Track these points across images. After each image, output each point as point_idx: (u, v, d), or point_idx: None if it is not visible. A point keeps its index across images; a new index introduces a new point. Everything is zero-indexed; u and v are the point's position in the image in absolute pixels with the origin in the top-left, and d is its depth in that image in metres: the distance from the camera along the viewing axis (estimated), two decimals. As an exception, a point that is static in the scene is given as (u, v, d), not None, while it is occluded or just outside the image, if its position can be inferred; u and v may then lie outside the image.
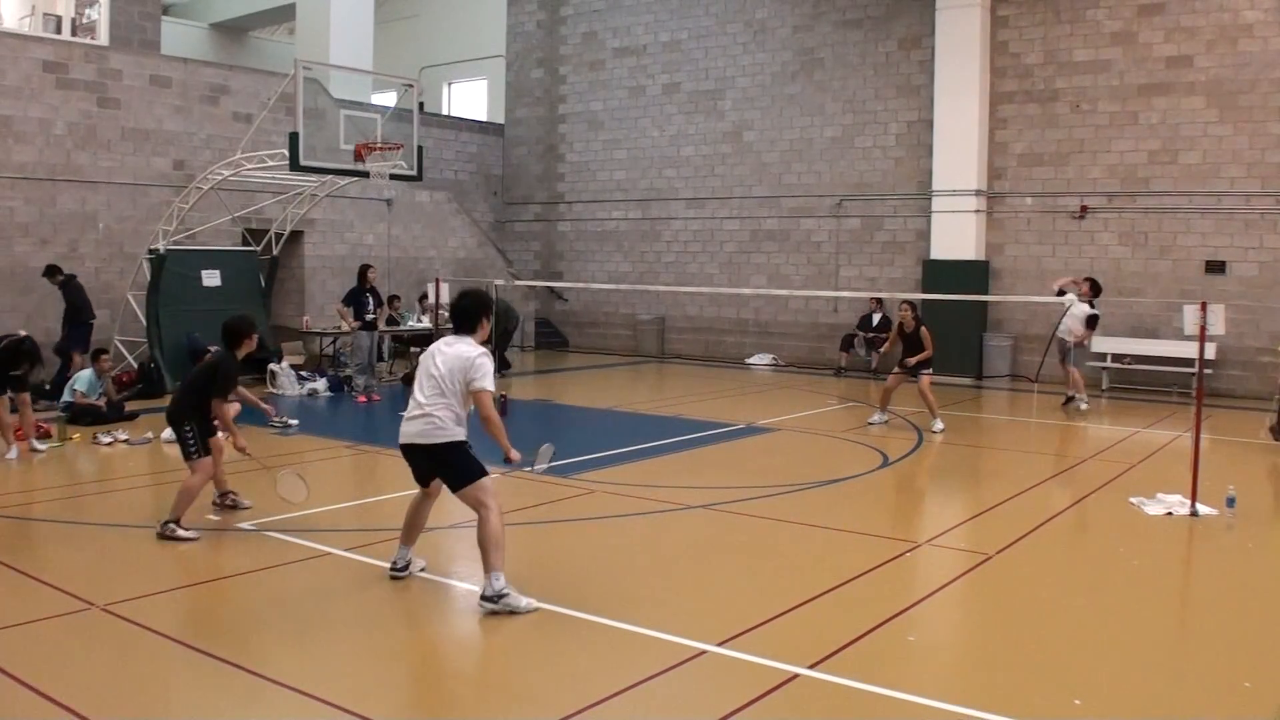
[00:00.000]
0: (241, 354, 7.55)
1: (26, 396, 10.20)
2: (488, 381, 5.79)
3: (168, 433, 10.91)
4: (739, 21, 20.58)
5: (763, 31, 20.27)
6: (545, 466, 6.53)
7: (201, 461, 7.25)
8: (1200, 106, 16.03)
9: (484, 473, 5.87)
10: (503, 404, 13.40)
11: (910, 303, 12.35)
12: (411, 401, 5.97)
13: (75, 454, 10.30)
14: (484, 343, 5.98)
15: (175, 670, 4.95)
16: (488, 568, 5.71)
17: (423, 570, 6.32)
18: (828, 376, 18.08)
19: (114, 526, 7.56)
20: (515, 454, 5.86)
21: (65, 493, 8.76)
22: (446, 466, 5.88)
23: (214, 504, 7.73)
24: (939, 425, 12.01)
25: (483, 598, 5.70)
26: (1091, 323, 13.63)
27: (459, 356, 5.86)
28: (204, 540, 7.09)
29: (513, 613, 5.63)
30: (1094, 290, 13.65)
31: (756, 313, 20.49)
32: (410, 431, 5.91)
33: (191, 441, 7.25)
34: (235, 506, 7.76)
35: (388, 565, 6.28)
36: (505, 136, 24.33)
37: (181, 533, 7.00)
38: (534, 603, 5.72)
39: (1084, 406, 13.62)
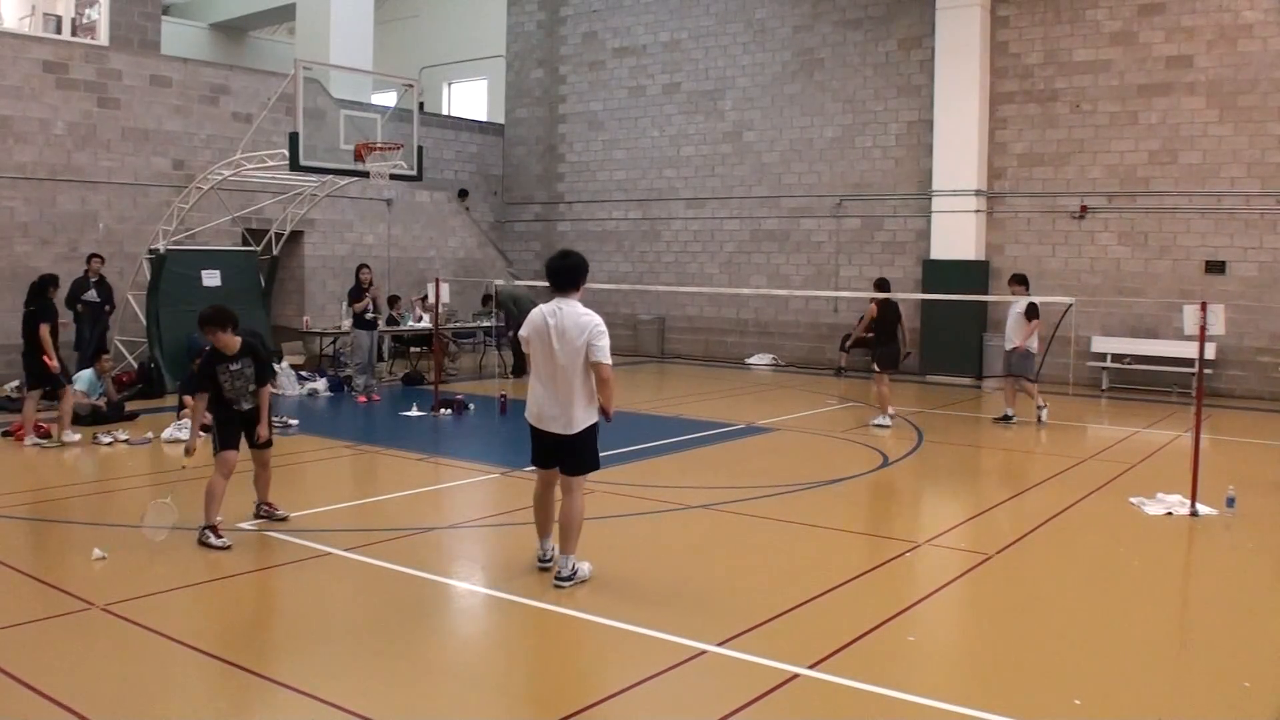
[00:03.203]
0: (215, 344, 6.99)
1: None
2: (606, 354, 6.03)
3: (168, 432, 10.97)
4: (739, 21, 20.58)
5: (763, 31, 20.27)
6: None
7: (218, 456, 7.07)
8: (1200, 106, 16.03)
9: (598, 465, 6.34)
10: (502, 404, 13.44)
11: (876, 280, 13.25)
12: (535, 384, 6.17)
13: (75, 454, 10.29)
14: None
15: (175, 670, 4.95)
16: (569, 549, 6.11)
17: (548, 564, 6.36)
18: (828, 376, 18.08)
19: (114, 526, 7.56)
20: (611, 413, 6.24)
21: (65, 493, 8.76)
22: (573, 450, 6.17)
23: (254, 515, 7.50)
24: (881, 420, 12.35)
25: (558, 578, 6.08)
26: (1031, 312, 12.60)
27: (576, 324, 6.04)
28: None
29: (583, 581, 6.11)
30: (1023, 286, 13.00)
31: (756, 313, 20.49)
32: (547, 418, 6.13)
33: (214, 435, 7.17)
34: (269, 517, 7.49)
35: (543, 562, 6.39)
36: (505, 136, 24.33)
37: (213, 540, 6.83)
38: (590, 565, 6.24)
39: (1044, 418, 12.75)
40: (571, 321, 6.05)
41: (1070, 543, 7.55)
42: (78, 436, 10.66)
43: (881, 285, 13.17)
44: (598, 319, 6.07)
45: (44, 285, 10.96)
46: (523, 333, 6.31)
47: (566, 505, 6.15)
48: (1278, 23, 15.47)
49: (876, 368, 12.70)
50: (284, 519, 7.53)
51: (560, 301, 6.16)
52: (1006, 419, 12.85)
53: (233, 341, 7.00)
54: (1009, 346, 12.83)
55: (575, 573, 6.09)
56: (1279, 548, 7.57)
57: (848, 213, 19.35)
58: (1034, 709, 4.58)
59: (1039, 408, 12.82)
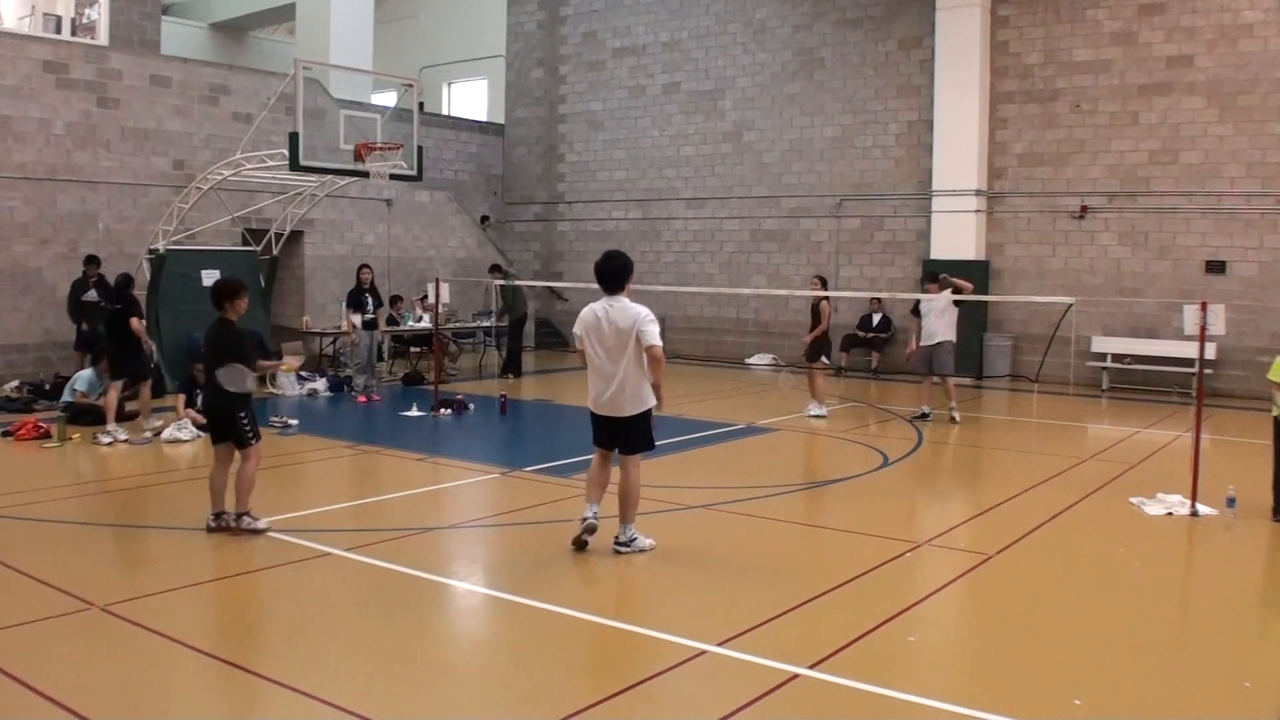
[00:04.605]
0: (233, 316, 7.28)
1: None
2: (655, 337, 6.63)
3: (168, 432, 10.96)
4: (739, 21, 20.58)
5: (763, 31, 20.27)
6: None
7: (258, 446, 7.29)
8: (1200, 106, 16.03)
9: (653, 445, 6.93)
10: (502, 404, 13.43)
11: (819, 276, 13.67)
12: (593, 374, 6.81)
13: (75, 454, 10.29)
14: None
15: (175, 670, 4.95)
16: (625, 519, 6.81)
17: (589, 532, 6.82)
18: (828, 376, 18.04)
19: (114, 526, 7.57)
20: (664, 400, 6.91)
21: (65, 493, 8.75)
22: (628, 431, 6.78)
23: (208, 527, 7.17)
24: (813, 410, 13.01)
25: (617, 542, 6.80)
26: (956, 302, 12.82)
27: (625, 315, 6.66)
28: (204, 541, 7.08)
29: (642, 551, 6.79)
30: (943, 286, 13.02)
31: (756, 313, 20.49)
32: (603, 404, 6.78)
33: (248, 427, 7.20)
34: (250, 530, 7.11)
35: (580, 526, 6.84)
36: (505, 136, 24.33)
37: (259, 524, 7.09)
38: (652, 541, 6.90)
39: (958, 418, 12.71)
40: (621, 314, 6.69)
41: (1070, 543, 7.55)
42: (160, 422, 11.25)
43: (824, 282, 13.61)
44: (645, 309, 6.71)
45: (121, 285, 11.65)
46: (576, 330, 6.94)
47: (623, 479, 6.82)
48: (1278, 23, 15.46)
49: (810, 361, 13.16)
50: (264, 530, 7.16)
51: (609, 300, 6.78)
52: (924, 416, 12.84)
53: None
54: (933, 342, 12.79)
55: (633, 540, 6.78)
56: (1279, 548, 7.57)
57: (848, 213, 19.35)
58: (1034, 709, 4.58)
59: (951, 407, 12.77)
